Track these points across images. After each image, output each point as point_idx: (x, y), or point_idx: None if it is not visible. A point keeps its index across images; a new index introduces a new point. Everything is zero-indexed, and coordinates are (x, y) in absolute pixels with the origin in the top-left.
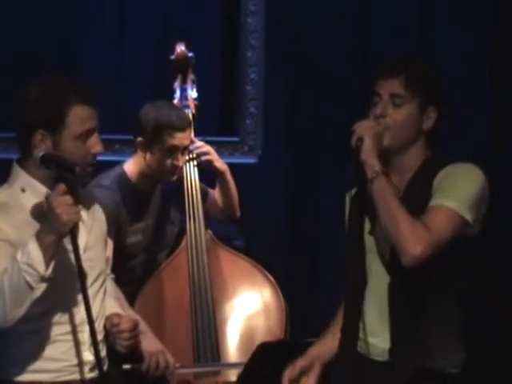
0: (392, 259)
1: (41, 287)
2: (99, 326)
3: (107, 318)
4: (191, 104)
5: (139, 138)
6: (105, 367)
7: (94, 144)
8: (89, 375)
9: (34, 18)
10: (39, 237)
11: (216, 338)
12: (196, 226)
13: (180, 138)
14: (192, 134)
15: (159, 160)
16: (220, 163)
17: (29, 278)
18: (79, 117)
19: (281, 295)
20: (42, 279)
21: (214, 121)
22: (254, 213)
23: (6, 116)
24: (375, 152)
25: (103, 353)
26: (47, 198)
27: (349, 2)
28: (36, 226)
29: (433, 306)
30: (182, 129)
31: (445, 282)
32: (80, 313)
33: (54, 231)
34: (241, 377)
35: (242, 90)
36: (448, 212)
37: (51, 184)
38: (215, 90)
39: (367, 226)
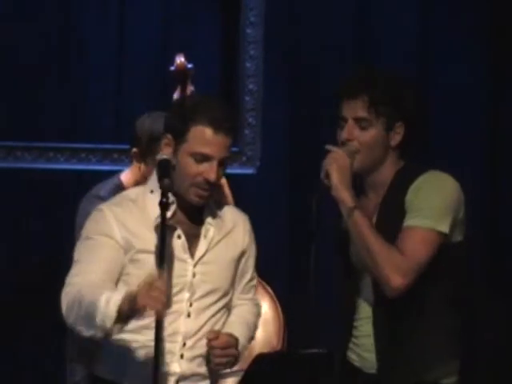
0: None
1: (102, 333)
2: (197, 341)
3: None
4: None
5: (134, 149)
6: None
7: (209, 170)
8: None
9: (34, 29)
10: (125, 298)
11: None
12: None
13: None
14: None
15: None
16: None
17: (96, 321)
18: (198, 136)
19: (278, 306)
20: (105, 331)
21: None
22: (252, 223)
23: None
24: (343, 184)
25: (201, 369)
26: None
27: (348, 13)
28: (146, 233)
29: (420, 317)
30: None
31: (431, 292)
32: (175, 323)
33: (138, 304)
34: None
35: (241, 101)
36: (421, 232)
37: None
38: None
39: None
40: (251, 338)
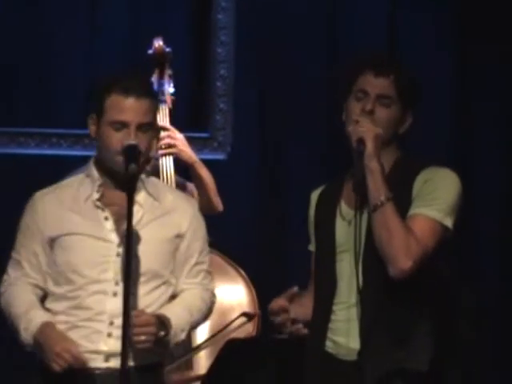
0: (365, 261)
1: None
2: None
3: None
4: (168, 99)
5: None
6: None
7: (127, 136)
8: (103, 364)
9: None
10: (39, 332)
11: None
12: None
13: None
14: (167, 123)
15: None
16: (188, 155)
17: (18, 339)
18: (112, 105)
19: (253, 291)
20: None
21: (184, 117)
22: (223, 208)
23: None
24: (377, 156)
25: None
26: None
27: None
28: (74, 217)
29: (406, 307)
30: None
31: (418, 281)
32: (101, 302)
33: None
34: (209, 373)
35: (212, 86)
36: (432, 222)
37: (104, 172)
38: (185, 86)
39: (339, 224)
40: (196, 321)
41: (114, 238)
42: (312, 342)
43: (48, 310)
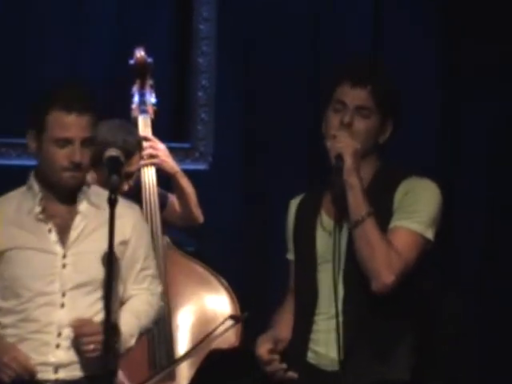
0: (348, 273)
1: None
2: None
3: None
4: (150, 109)
5: None
6: (74, 372)
7: (72, 152)
8: (53, 376)
9: None
10: None
11: (171, 344)
12: (153, 232)
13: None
14: (149, 133)
15: (104, 181)
16: (170, 166)
17: None
18: (54, 123)
19: (236, 301)
20: None
21: (165, 127)
22: (205, 219)
23: None
24: (357, 170)
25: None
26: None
27: (302, 8)
28: (16, 231)
29: (388, 318)
30: (127, 155)
31: (399, 293)
32: (49, 314)
33: None
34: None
35: (194, 97)
36: (413, 235)
37: (45, 186)
38: (167, 96)
39: (320, 235)
40: (144, 326)
41: (59, 249)
42: (294, 352)
43: None
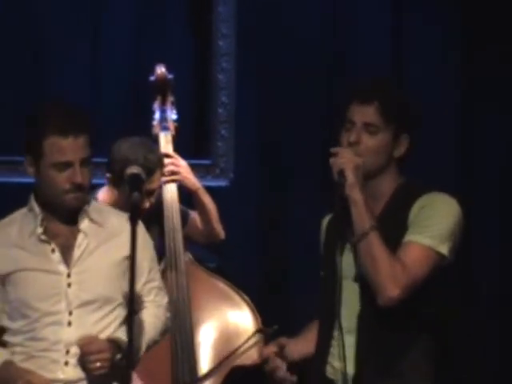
0: (363, 288)
1: None
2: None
3: None
4: (171, 126)
5: (108, 174)
6: None
7: (73, 175)
8: None
9: (7, 50)
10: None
11: (194, 360)
12: (175, 248)
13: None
14: (170, 150)
15: (126, 199)
16: (191, 182)
17: None
18: (51, 148)
19: (258, 317)
20: None
21: (185, 143)
22: (226, 235)
23: None
24: (359, 185)
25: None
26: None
27: (321, 24)
28: (20, 253)
29: (403, 332)
30: (148, 173)
31: (416, 310)
32: (56, 333)
33: None
34: None
35: (214, 113)
36: (424, 250)
37: (45, 207)
38: (187, 112)
39: (345, 250)
40: (152, 339)
41: (63, 269)
42: (314, 366)
43: (6, 342)
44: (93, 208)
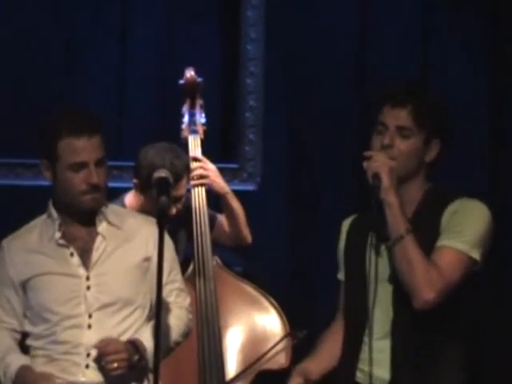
0: (397, 293)
1: None
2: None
3: None
4: (200, 129)
5: (135, 180)
6: None
7: (88, 175)
8: None
9: (35, 50)
10: (18, 376)
11: (222, 364)
12: (203, 252)
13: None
14: (199, 153)
15: (153, 204)
16: (220, 186)
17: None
18: (65, 150)
19: (286, 321)
20: None
21: (213, 147)
22: (253, 239)
23: None
24: (394, 188)
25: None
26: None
27: (349, 28)
28: (42, 258)
29: (437, 338)
30: (175, 179)
31: (449, 315)
32: (76, 336)
33: None
34: None
35: (242, 117)
36: (458, 254)
37: (62, 211)
38: (215, 116)
39: (375, 254)
40: (173, 341)
41: (82, 272)
42: (342, 371)
43: (29, 346)
44: (110, 210)
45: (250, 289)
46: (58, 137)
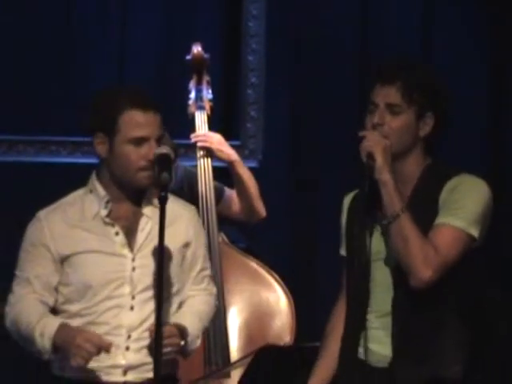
0: (397, 271)
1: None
2: (143, 332)
3: None
4: (207, 105)
5: None
6: (142, 374)
7: (149, 151)
8: (121, 378)
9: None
10: (57, 334)
11: (227, 341)
12: (209, 228)
13: None
14: (206, 129)
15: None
16: (226, 154)
17: (34, 351)
18: (129, 122)
19: (290, 297)
20: (45, 358)
21: (215, 124)
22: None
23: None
24: (388, 167)
25: (149, 359)
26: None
27: (350, 6)
28: (82, 234)
29: (437, 315)
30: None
31: (448, 293)
32: (118, 317)
33: (67, 352)
34: (242, 378)
35: (243, 94)
36: (455, 231)
37: (109, 188)
38: (216, 93)
39: (375, 232)
40: (205, 326)
41: (127, 253)
42: (345, 348)
43: None
44: (150, 192)
45: (255, 265)
46: (120, 109)
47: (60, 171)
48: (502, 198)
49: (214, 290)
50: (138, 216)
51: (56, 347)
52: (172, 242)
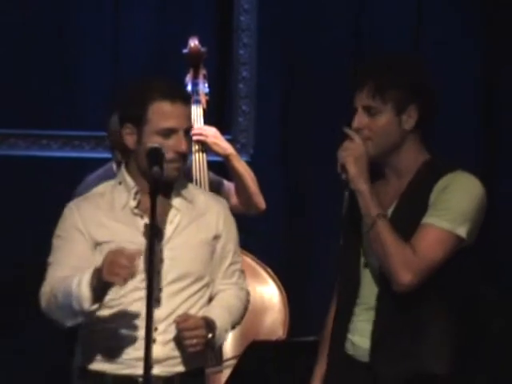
0: (381, 273)
1: (82, 316)
2: (169, 325)
3: None
4: (203, 99)
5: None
6: (169, 367)
7: (177, 143)
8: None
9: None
10: (93, 276)
11: None
12: None
13: None
14: (201, 123)
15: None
16: (221, 147)
17: (74, 307)
18: (158, 112)
19: (284, 293)
20: (84, 313)
21: (206, 118)
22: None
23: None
24: (362, 177)
25: (176, 352)
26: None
27: (344, 1)
28: (113, 224)
29: (421, 313)
30: None
31: (435, 291)
32: (145, 309)
33: (104, 280)
34: (231, 374)
35: (235, 89)
36: (440, 233)
37: (138, 180)
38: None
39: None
40: (235, 321)
41: (156, 244)
42: (333, 342)
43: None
44: (181, 185)
45: (249, 260)
46: (150, 99)
47: (51, 165)
48: (495, 196)
49: (245, 284)
50: (166, 208)
51: (95, 291)
52: (201, 234)
